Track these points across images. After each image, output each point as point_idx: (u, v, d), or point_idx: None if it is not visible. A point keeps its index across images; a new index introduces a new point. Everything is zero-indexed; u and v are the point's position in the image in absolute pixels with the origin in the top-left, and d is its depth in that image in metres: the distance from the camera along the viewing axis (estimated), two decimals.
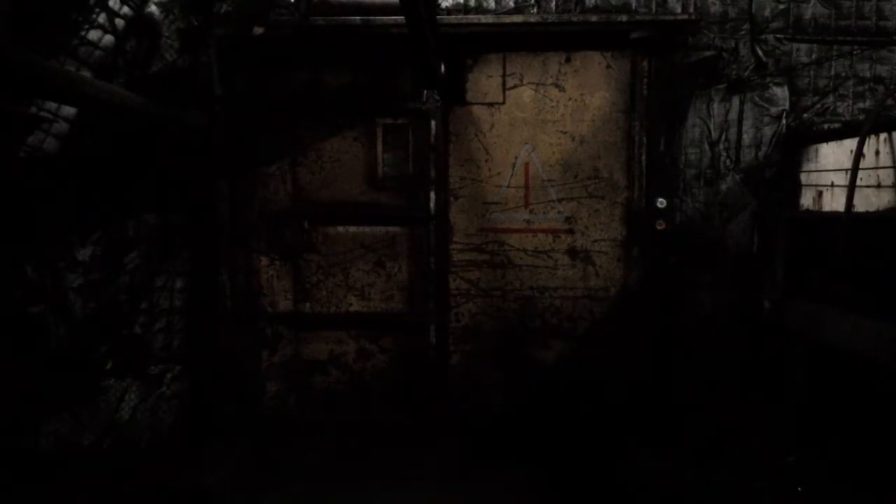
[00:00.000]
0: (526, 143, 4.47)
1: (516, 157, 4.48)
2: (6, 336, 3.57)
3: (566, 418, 4.56)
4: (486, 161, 4.49)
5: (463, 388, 4.64)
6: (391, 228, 4.56)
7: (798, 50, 4.36)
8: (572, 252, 4.52)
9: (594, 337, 4.56)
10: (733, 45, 4.35)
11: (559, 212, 4.50)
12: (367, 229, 4.57)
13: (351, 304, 4.63)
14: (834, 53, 4.34)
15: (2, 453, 3.63)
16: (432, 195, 4.41)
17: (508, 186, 4.50)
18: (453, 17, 4.32)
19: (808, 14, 4.34)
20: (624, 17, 4.22)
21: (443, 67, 4.07)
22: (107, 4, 3.24)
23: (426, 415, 4.51)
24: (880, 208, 3.36)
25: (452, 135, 4.49)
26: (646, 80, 4.29)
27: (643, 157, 4.34)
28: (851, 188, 3.40)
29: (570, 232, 4.51)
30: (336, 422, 4.52)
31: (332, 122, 4.50)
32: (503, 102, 4.46)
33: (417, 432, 4.40)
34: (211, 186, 4.39)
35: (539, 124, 4.45)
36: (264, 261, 4.61)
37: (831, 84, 4.36)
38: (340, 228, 4.58)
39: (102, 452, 4.15)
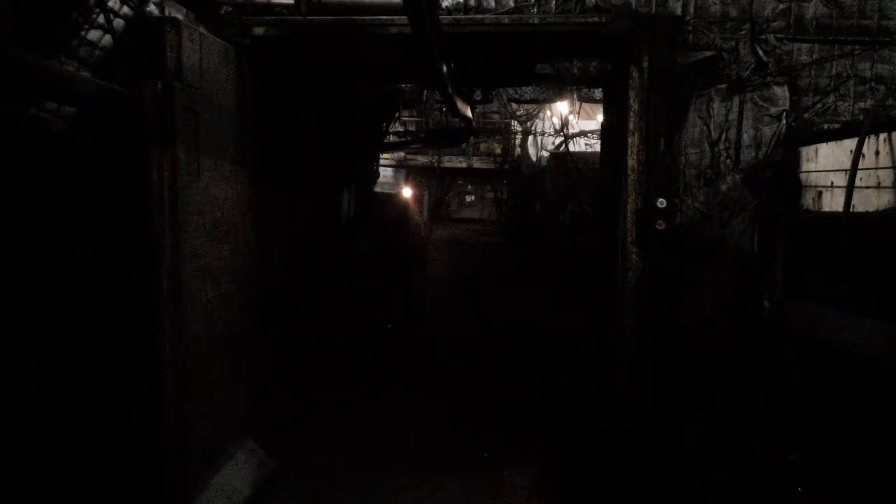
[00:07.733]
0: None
1: None
2: None
3: (565, 415, 4.56)
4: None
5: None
6: None
7: (799, 50, 4.34)
8: None
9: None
10: (733, 44, 4.34)
11: None
12: None
13: None
14: (835, 53, 4.32)
15: None
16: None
17: None
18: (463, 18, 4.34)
19: (809, 13, 4.32)
20: (617, 16, 4.21)
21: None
22: (107, 4, 3.25)
23: None
24: (880, 208, 3.36)
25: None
26: (640, 80, 4.27)
27: (636, 158, 4.32)
28: (850, 188, 3.40)
29: None
30: None
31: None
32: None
33: None
34: None
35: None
36: None
37: (832, 84, 4.34)
38: None
39: None
